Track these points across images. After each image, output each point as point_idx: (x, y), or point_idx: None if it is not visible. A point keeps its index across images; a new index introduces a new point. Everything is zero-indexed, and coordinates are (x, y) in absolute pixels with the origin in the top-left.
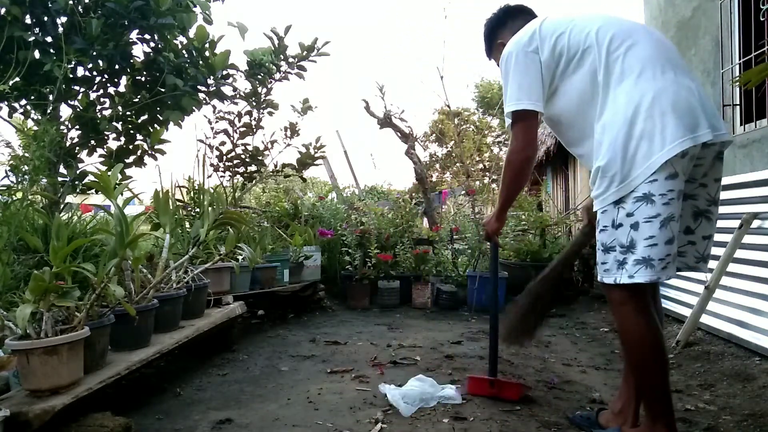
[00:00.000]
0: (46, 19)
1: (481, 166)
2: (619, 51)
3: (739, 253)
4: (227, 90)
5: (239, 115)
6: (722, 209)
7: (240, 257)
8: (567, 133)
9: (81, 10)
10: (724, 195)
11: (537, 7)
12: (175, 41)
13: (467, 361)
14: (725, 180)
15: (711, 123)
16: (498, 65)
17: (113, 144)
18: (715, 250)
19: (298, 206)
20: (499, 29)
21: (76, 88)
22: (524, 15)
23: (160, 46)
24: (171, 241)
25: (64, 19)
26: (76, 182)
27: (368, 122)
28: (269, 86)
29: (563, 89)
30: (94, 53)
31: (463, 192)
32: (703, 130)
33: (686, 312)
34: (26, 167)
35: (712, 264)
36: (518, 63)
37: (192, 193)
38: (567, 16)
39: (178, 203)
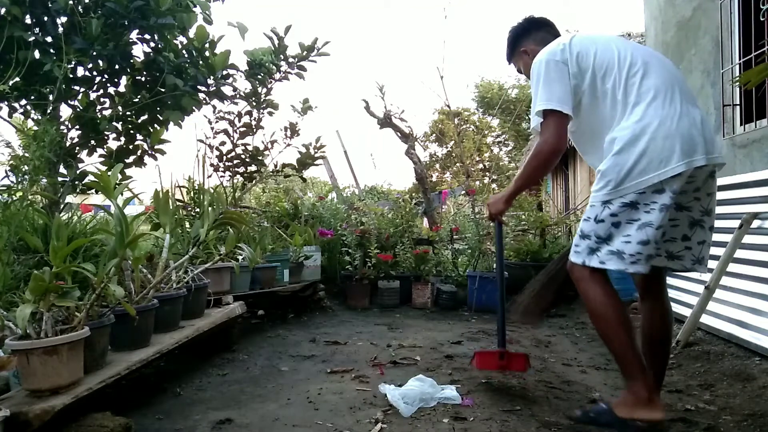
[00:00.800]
0: (46, 19)
1: (481, 166)
2: (636, 76)
3: (739, 253)
4: (227, 90)
5: (239, 115)
6: (722, 209)
7: (240, 257)
8: (585, 142)
9: (81, 10)
10: (724, 195)
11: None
12: (175, 41)
13: (467, 361)
14: (725, 180)
15: (707, 148)
16: (519, 70)
17: (113, 144)
18: (715, 250)
19: (298, 206)
20: (523, 38)
21: (76, 88)
22: (547, 27)
23: (160, 46)
24: (171, 241)
25: (64, 19)
26: (76, 182)
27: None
28: (269, 86)
29: (586, 102)
30: (94, 53)
31: (463, 192)
32: (698, 155)
33: (686, 312)
34: (26, 167)
35: (712, 264)
36: (550, 70)
37: (192, 193)
38: (591, 36)
39: (178, 203)
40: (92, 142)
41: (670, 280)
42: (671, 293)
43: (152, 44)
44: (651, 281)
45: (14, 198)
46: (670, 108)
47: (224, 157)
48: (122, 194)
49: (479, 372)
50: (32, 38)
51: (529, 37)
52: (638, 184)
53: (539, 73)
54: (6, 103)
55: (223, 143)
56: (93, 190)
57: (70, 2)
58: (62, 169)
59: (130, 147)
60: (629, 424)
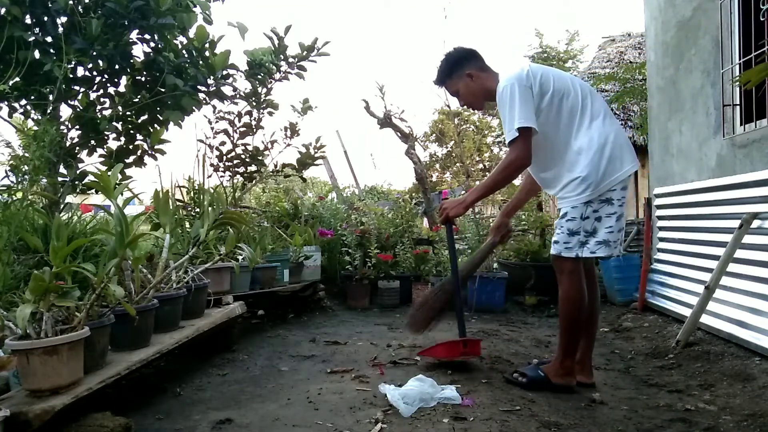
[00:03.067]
0: (46, 19)
1: (480, 166)
2: (587, 99)
3: (739, 253)
4: (227, 90)
5: (239, 115)
6: (722, 209)
7: (240, 257)
8: (542, 156)
9: (81, 10)
10: (724, 195)
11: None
12: (175, 41)
13: (467, 361)
14: (725, 180)
15: (634, 155)
16: (455, 92)
17: (113, 144)
18: (715, 250)
19: (298, 206)
20: (466, 62)
21: (76, 88)
22: (482, 58)
23: (160, 46)
24: (171, 241)
25: (64, 19)
26: (76, 182)
27: (368, 122)
28: (269, 86)
29: (542, 119)
30: (94, 53)
31: (463, 192)
32: (635, 160)
33: (686, 312)
34: (26, 167)
35: (712, 264)
36: (520, 93)
37: (192, 193)
38: (544, 67)
39: (178, 203)
40: (92, 142)
41: (670, 280)
42: (671, 293)
43: (152, 44)
44: (590, 270)
45: (14, 198)
46: (613, 124)
47: (224, 157)
48: (122, 194)
49: (446, 363)
50: (32, 38)
51: (470, 63)
52: (610, 183)
53: (512, 95)
54: (6, 103)
55: (223, 143)
56: (93, 190)
57: (70, 2)
58: (62, 169)
59: (130, 147)
60: (559, 387)
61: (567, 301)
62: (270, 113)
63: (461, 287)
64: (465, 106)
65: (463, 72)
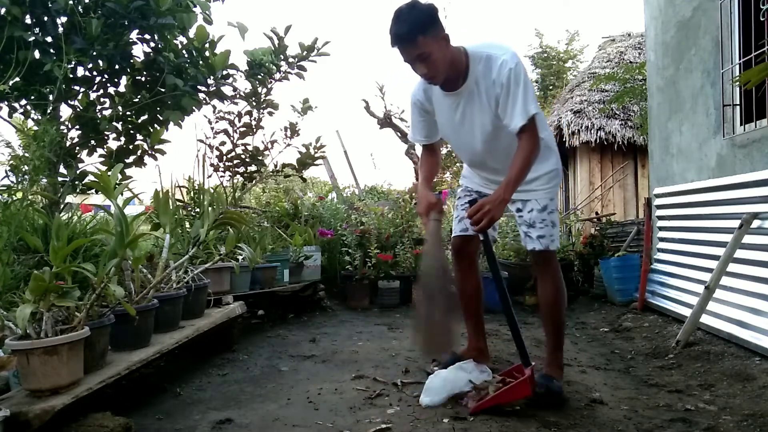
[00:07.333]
0: (46, 19)
1: None
2: None
3: (739, 253)
4: (227, 90)
5: (239, 115)
6: (722, 209)
7: (240, 257)
8: (506, 146)
9: (81, 10)
10: (724, 195)
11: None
12: (175, 41)
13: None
14: (725, 180)
15: None
16: (421, 55)
17: (113, 144)
18: (715, 250)
19: (298, 206)
20: (439, 23)
21: (76, 88)
22: None
23: (160, 46)
24: (171, 241)
25: (64, 19)
26: (76, 182)
27: (368, 122)
28: (269, 86)
29: None
30: (94, 53)
31: None
32: None
33: (686, 312)
34: (26, 167)
35: (712, 264)
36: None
37: (192, 193)
38: None
39: (178, 203)
40: (92, 142)
41: (670, 280)
42: (671, 293)
43: (152, 44)
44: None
45: (14, 198)
46: None
47: (224, 157)
48: (122, 194)
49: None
50: (32, 38)
51: (442, 25)
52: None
53: (526, 75)
54: (6, 103)
55: (223, 143)
56: (93, 190)
57: (70, 2)
58: (62, 169)
59: (130, 147)
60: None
61: (559, 293)
62: (270, 113)
63: (447, 287)
64: (424, 77)
65: (439, 33)
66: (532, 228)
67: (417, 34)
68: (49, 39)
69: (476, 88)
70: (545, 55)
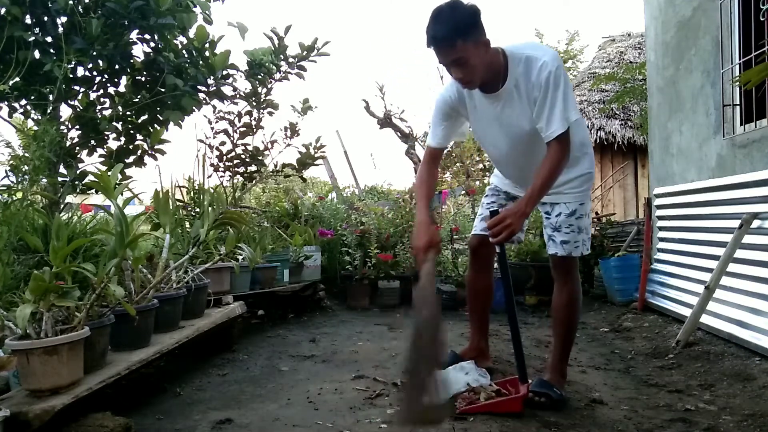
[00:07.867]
0: (46, 19)
1: (481, 166)
2: None
3: (739, 253)
4: (227, 90)
5: (239, 115)
6: (722, 209)
7: (240, 257)
8: (538, 149)
9: (81, 10)
10: (724, 195)
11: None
12: (175, 41)
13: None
14: (725, 180)
15: None
16: (457, 60)
17: (113, 144)
18: (715, 250)
19: (298, 206)
20: (482, 26)
21: (76, 88)
22: None
23: (160, 46)
24: (171, 241)
25: (64, 19)
26: (76, 182)
27: (368, 122)
28: (269, 86)
29: None
30: (94, 53)
31: (463, 192)
32: None
33: (686, 312)
34: (26, 167)
35: (712, 264)
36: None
37: (192, 193)
38: None
39: (178, 203)
40: (92, 142)
41: (670, 280)
42: (671, 293)
43: (152, 44)
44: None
45: (14, 198)
46: None
47: (224, 157)
48: (122, 194)
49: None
50: (32, 38)
51: (483, 29)
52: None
53: (566, 79)
54: (6, 103)
55: (223, 143)
56: (93, 190)
57: (70, 2)
58: (62, 169)
59: (130, 147)
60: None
61: (576, 302)
62: (270, 113)
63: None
64: (459, 81)
65: (480, 38)
66: (557, 232)
67: (456, 38)
68: (49, 39)
69: (515, 90)
70: None
